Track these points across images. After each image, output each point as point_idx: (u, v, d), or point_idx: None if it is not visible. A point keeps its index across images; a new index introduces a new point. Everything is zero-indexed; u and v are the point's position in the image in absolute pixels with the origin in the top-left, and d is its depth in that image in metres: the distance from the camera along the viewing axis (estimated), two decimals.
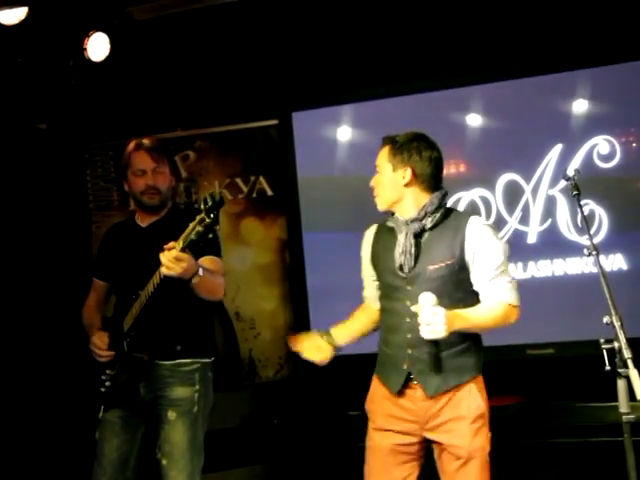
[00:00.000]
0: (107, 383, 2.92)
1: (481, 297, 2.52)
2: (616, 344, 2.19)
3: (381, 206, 2.62)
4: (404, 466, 2.58)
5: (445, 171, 4.32)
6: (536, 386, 4.06)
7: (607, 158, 4.08)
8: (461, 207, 4.31)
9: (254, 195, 4.72)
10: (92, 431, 2.97)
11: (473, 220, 2.53)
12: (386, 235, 2.64)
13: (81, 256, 4.72)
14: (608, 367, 2.18)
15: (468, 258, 2.50)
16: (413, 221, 2.53)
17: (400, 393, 2.56)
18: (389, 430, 2.58)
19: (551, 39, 4.10)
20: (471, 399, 2.52)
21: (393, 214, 2.63)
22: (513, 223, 4.25)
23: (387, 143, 2.65)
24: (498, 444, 2.59)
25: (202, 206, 2.46)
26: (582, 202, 2.54)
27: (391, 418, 2.58)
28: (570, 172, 2.57)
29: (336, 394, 4.31)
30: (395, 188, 2.57)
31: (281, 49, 4.42)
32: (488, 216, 4.27)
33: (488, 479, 2.53)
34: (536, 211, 4.21)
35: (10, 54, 4.08)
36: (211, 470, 3.11)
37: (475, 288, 2.52)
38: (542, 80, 4.20)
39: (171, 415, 2.85)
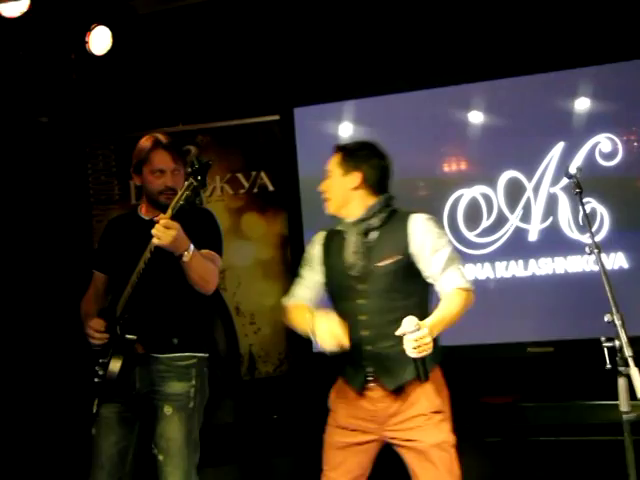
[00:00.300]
0: (100, 372, 2.90)
1: (437, 287, 2.61)
2: (617, 342, 2.19)
3: (330, 209, 2.75)
4: (361, 464, 2.68)
5: (446, 168, 4.45)
6: (536, 384, 4.05)
7: (609, 156, 4.07)
8: (462, 204, 4.31)
9: (255, 190, 4.72)
10: (88, 427, 2.96)
11: (416, 216, 2.65)
12: (335, 238, 2.75)
13: (81, 250, 4.71)
14: (609, 365, 2.18)
15: (415, 252, 2.60)
16: (360, 221, 2.66)
17: (360, 393, 2.64)
18: (348, 429, 2.67)
19: (554, 37, 4.09)
20: (429, 396, 2.60)
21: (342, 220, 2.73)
22: (514, 221, 4.24)
23: (339, 151, 2.78)
24: (496, 442, 2.61)
25: (188, 169, 2.50)
26: (584, 200, 2.54)
27: (351, 418, 2.67)
28: (572, 170, 2.58)
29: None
30: (344, 192, 2.70)
31: (284, 44, 4.41)
32: (489, 213, 4.27)
33: (457, 471, 2.59)
34: (537, 209, 4.21)
35: (12, 47, 4.07)
36: (210, 465, 3.11)
37: (430, 281, 2.62)
38: (544, 78, 4.19)
39: (167, 410, 2.85)
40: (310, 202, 4.55)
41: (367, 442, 2.66)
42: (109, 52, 4.20)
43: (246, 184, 4.73)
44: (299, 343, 4.49)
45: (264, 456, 4.18)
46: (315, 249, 2.80)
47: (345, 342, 2.50)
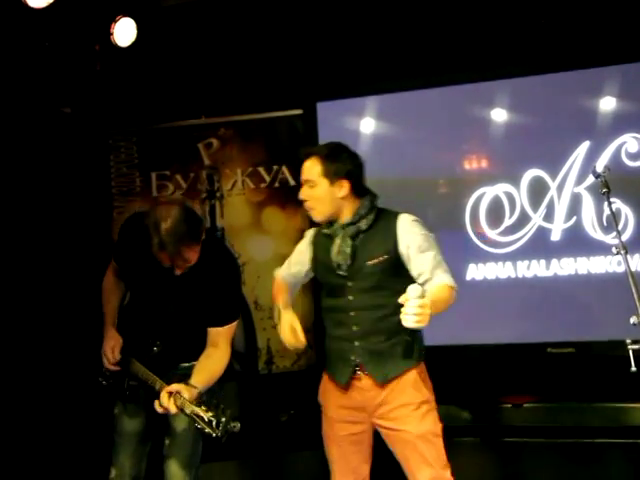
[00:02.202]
0: (104, 382, 2.97)
1: (426, 286, 2.61)
2: None
3: (319, 218, 2.75)
4: (359, 453, 2.76)
5: (469, 166, 4.42)
6: (556, 385, 4.02)
7: (635, 156, 4.02)
8: (485, 202, 4.28)
9: (276, 185, 4.71)
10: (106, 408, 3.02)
11: (402, 217, 2.70)
12: (322, 240, 2.81)
13: (102, 241, 4.72)
14: (634, 368, 2.16)
15: (403, 252, 2.66)
16: (349, 225, 2.69)
17: (347, 385, 2.71)
18: (339, 421, 2.75)
19: (580, 34, 4.04)
20: (415, 386, 2.68)
21: (330, 222, 2.75)
22: (537, 220, 4.20)
23: (313, 156, 2.72)
24: (514, 442, 2.61)
25: (210, 431, 2.51)
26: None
27: (341, 409, 2.74)
28: (599, 169, 2.54)
29: None
30: (333, 201, 2.70)
31: (308, 39, 4.40)
32: (512, 212, 4.24)
33: (442, 461, 2.65)
34: (561, 208, 4.17)
35: (38, 38, 4.08)
36: (226, 459, 3.12)
37: (420, 281, 2.63)
38: (570, 76, 4.14)
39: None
40: None
41: (359, 433, 2.74)
42: (133, 44, 4.20)
43: (267, 178, 4.72)
44: (318, 338, 4.50)
45: (281, 451, 4.18)
46: (304, 245, 2.91)
47: (302, 342, 2.62)
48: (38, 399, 4.16)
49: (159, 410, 2.65)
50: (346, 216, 2.71)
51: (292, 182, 4.68)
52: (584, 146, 4.10)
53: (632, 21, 3.94)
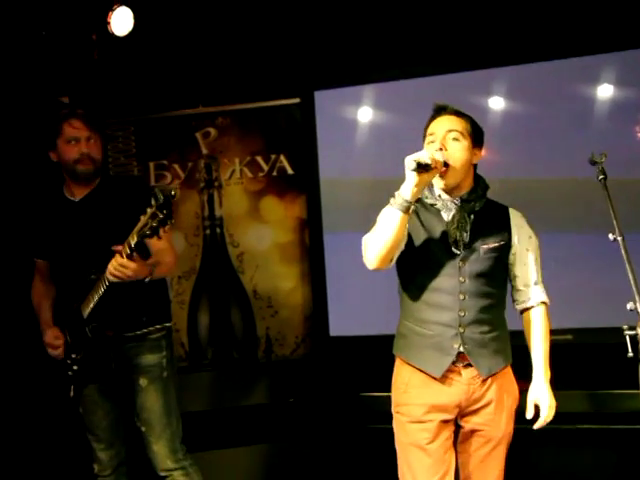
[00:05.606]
0: (74, 367, 2.98)
1: (521, 296, 2.61)
2: (639, 330, 2.17)
3: (451, 181, 2.49)
4: (450, 449, 2.52)
5: None
6: (554, 373, 4.02)
7: None
8: None
9: (274, 173, 4.71)
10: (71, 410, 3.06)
11: (513, 211, 2.61)
12: (424, 212, 2.55)
13: None
14: (631, 354, 2.17)
15: (513, 245, 2.56)
16: (465, 201, 2.51)
17: (442, 378, 2.48)
18: (429, 421, 2.47)
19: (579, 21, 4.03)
20: (510, 386, 2.59)
21: (431, 188, 2.55)
22: None
23: (462, 115, 2.60)
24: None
25: (153, 202, 2.45)
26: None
27: (432, 409, 2.48)
28: (596, 156, 2.54)
29: (350, 375, 4.31)
30: (465, 166, 2.51)
31: (306, 27, 4.38)
32: None
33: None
34: None
35: (35, 27, 4.07)
36: (226, 446, 3.13)
37: (520, 287, 2.60)
38: (572, 63, 4.12)
39: (142, 382, 2.95)
40: (329, 186, 4.54)
41: (448, 438, 2.50)
42: (130, 33, 4.19)
43: (265, 167, 4.72)
44: (317, 326, 4.51)
45: (279, 439, 4.19)
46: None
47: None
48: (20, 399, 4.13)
49: (113, 276, 2.63)
50: (463, 190, 2.51)
51: (290, 171, 4.68)
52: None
53: (633, 7, 3.93)
